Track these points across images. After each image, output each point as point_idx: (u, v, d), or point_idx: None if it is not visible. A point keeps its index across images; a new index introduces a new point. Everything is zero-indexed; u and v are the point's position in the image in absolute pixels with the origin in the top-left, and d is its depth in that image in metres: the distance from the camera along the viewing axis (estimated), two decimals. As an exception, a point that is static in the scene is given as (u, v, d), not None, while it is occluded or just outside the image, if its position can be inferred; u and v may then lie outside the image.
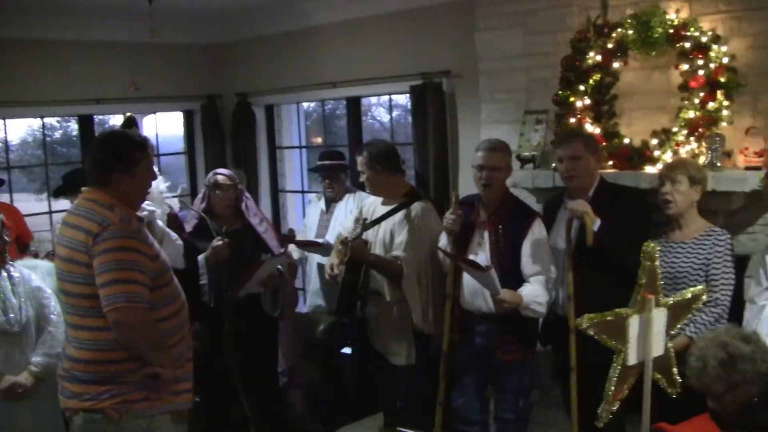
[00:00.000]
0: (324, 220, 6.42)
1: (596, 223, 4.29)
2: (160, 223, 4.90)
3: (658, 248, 3.71)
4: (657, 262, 3.30)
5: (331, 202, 6.43)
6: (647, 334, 3.23)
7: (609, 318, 3.26)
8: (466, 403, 4.77)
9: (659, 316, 3.28)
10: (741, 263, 4.60)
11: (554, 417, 4.90)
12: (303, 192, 8.34)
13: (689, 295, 3.49)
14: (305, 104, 8.58)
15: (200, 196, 5.55)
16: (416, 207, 5.03)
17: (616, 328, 3.25)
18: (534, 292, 4.43)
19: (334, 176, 6.39)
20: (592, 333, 3.29)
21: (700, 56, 4.72)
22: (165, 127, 8.74)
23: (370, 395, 5.44)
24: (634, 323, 3.22)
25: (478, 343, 4.65)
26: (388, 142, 5.77)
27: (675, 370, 3.48)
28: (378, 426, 4.88)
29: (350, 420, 5.24)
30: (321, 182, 6.53)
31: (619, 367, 3.29)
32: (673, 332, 3.57)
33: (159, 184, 5.14)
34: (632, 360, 3.25)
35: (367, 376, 5.41)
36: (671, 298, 3.45)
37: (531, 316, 4.48)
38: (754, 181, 4.45)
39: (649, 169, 4.83)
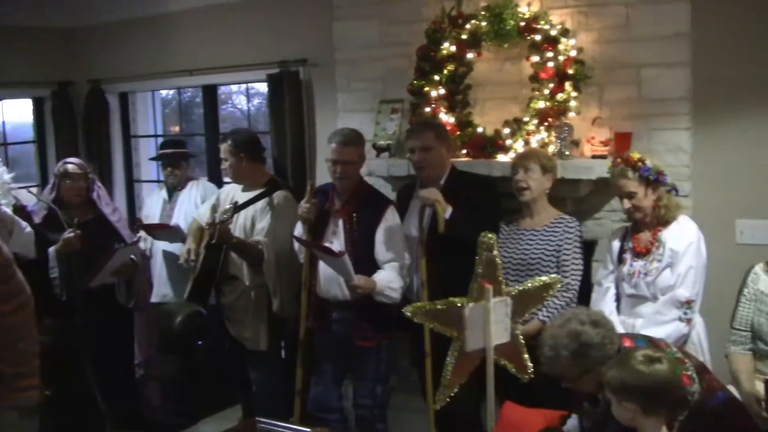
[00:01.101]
0: (167, 209, 6.29)
1: (447, 211, 4.36)
2: (8, 211, 4.70)
3: (512, 237, 3.85)
4: (496, 252, 3.33)
5: (173, 191, 6.30)
6: (486, 322, 3.25)
7: (440, 307, 3.31)
8: (324, 390, 4.77)
9: (500, 305, 3.31)
10: (589, 248, 4.78)
11: (412, 402, 4.94)
12: (159, 182, 8.14)
13: (538, 284, 3.55)
14: (163, 92, 8.37)
15: (49, 186, 5.35)
16: (279, 195, 5.03)
17: (451, 316, 3.29)
18: (387, 279, 4.47)
19: (175, 164, 6.28)
20: (420, 321, 3.35)
21: (550, 49, 4.87)
22: (13, 115, 8.32)
23: (229, 386, 5.36)
24: (470, 312, 3.25)
25: (334, 331, 4.66)
26: (251, 130, 5.75)
27: (526, 356, 3.55)
28: (237, 417, 4.81)
29: (209, 412, 5.15)
30: (163, 171, 6.41)
31: (455, 354, 3.34)
32: (522, 319, 3.68)
33: (2, 174, 4.94)
34: (470, 347, 3.27)
35: (225, 367, 5.34)
36: (518, 287, 3.51)
37: (386, 302, 4.51)
38: (600, 169, 4.63)
39: (502, 158, 4.96)
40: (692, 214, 4.52)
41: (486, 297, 3.25)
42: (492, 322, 3.26)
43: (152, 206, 6.53)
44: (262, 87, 6.70)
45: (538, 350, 3.34)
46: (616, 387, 2.95)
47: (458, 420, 4.51)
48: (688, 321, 4.05)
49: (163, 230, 5.86)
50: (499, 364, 3.41)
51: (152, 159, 6.88)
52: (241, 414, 5.22)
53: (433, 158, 4.63)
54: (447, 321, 3.32)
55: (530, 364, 3.53)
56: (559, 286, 3.65)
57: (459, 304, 3.27)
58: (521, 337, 3.55)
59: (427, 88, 5.25)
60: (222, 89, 7.44)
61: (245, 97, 8.62)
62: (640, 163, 4.11)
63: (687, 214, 4.38)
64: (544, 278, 3.60)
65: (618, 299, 4.31)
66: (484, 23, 5.07)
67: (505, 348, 3.41)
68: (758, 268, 3.95)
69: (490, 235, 3.33)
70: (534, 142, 4.83)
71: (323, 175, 5.35)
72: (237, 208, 4.87)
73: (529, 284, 3.54)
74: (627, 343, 3.30)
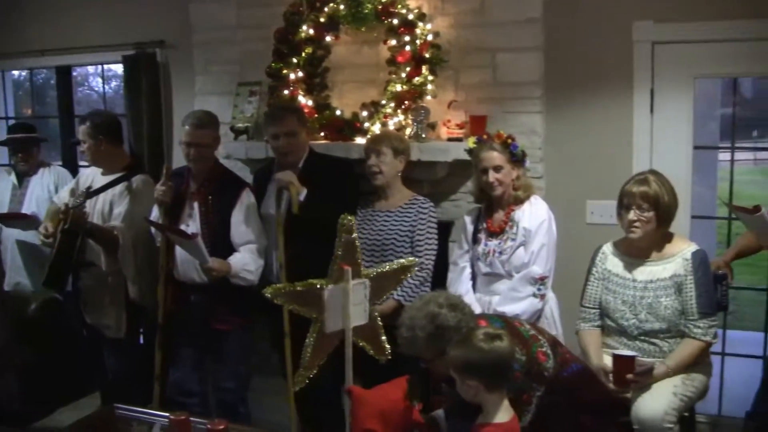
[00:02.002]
0: (18, 195, 6.04)
1: (302, 193, 4.35)
2: None
3: (367, 218, 3.86)
4: (355, 234, 3.36)
5: (23, 177, 6.06)
6: (345, 304, 3.28)
7: (300, 288, 3.30)
8: (183, 375, 4.71)
9: (359, 287, 3.34)
10: (445, 229, 4.86)
11: (273, 384, 4.92)
12: (7, 166, 7.80)
13: (396, 266, 3.58)
14: (15, 73, 8.02)
15: None
16: (137, 179, 4.93)
17: (310, 297, 3.29)
18: (243, 261, 4.45)
19: (25, 149, 6.03)
20: (281, 303, 3.34)
21: (407, 33, 4.91)
22: None
23: (86, 374, 5.23)
24: (329, 293, 3.26)
25: (193, 314, 4.61)
26: (111, 113, 5.60)
27: (383, 338, 3.57)
28: (95, 405, 4.69)
29: (66, 401, 5.00)
30: (12, 156, 6.16)
31: (315, 335, 3.34)
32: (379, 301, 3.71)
33: None
34: (330, 328, 3.29)
35: (82, 354, 5.20)
36: (376, 269, 3.53)
37: (242, 285, 4.48)
38: (456, 151, 4.70)
39: (359, 140, 4.97)
40: (545, 195, 4.66)
41: (345, 279, 3.27)
42: (351, 304, 3.29)
43: (0, 192, 6.26)
44: (120, 69, 6.52)
45: (395, 330, 3.37)
46: (459, 365, 3.00)
47: (318, 401, 4.52)
48: (542, 297, 4.17)
49: (18, 219, 5.64)
50: (357, 345, 3.43)
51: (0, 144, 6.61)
52: (100, 402, 5.09)
53: (297, 143, 4.62)
54: (306, 303, 3.31)
55: (388, 346, 3.56)
56: (414, 270, 3.69)
57: (318, 286, 3.27)
58: (379, 318, 3.58)
59: (285, 71, 5.21)
60: (78, 71, 7.19)
61: (101, 79, 8.36)
62: (509, 140, 4.21)
63: (540, 195, 4.50)
64: (402, 260, 3.64)
65: (474, 278, 4.39)
66: (342, 6, 5.07)
67: (364, 329, 3.43)
68: (606, 247, 4.10)
69: (349, 217, 3.35)
70: (391, 124, 4.86)
71: (180, 159, 5.24)
72: (89, 193, 4.75)
73: (387, 266, 3.57)
74: (483, 325, 3.36)
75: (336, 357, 3.40)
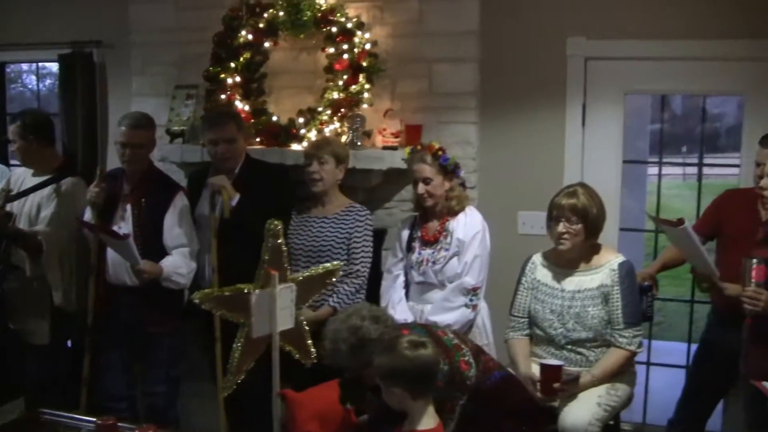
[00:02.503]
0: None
1: (235, 198, 4.37)
2: None
3: (303, 224, 3.88)
4: (281, 240, 3.36)
5: (-48, 177, 5.95)
6: (272, 309, 3.29)
7: (227, 293, 3.31)
8: (112, 379, 4.66)
9: (286, 292, 3.35)
10: (379, 237, 4.90)
11: (203, 388, 4.90)
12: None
13: (322, 271, 3.60)
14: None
15: None
16: (67, 182, 4.84)
17: (238, 302, 3.30)
18: (175, 264, 4.43)
19: None
20: (209, 308, 3.35)
21: (345, 41, 4.95)
22: None
23: (10, 379, 5.13)
24: (257, 298, 3.27)
25: (123, 317, 4.56)
26: (43, 112, 5.50)
27: (309, 342, 3.59)
28: (19, 410, 4.61)
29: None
30: None
31: (242, 340, 3.35)
32: (307, 305, 3.75)
33: None
34: (257, 333, 3.30)
35: (6, 359, 5.10)
36: (302, 274, 3.55)
37: (174, 288, 4.46)
38: (391, 159, 4.75)
39: (295, 147, 4.99)
40: (478, 205, 4.72)
41: (272, 283, 3.27)
42: (278, 309, 3.30)
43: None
44: (55, 67, 6.43)
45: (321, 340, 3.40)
46: (384, 373, 3.03)
47: (248, 405, 4.51)
48: (474, 307, 4.22)
49: None
50: (284, 349, 3.44)
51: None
52: (24, 407, 5.01)
53: (236, 149, 4.61)
54: (234, 307, 3.32)
55: (314, 350, 3.58)
56: (341, 273, 3.71)
57: (246, 291, 3.28)
58: (305, 323, 3.59)
59: (222, 75, 5.20)
60: (11, 67, 7.07)
61: (36, 76, 8.23)
62: (440, 152, 4.26)
63: (473, 205, 4.56)
64: (327, 265, 3.66)
65: (407, 286, 4.43)
66: (281, 13, 5.09)
67: (290, 334, 3.44)
68: (535, 258, 4.17)
69: (276, 223, 3.36)
70: (327, 132, 4.88)
71: (115, 160, 5.20)
72: (9, 197, 4.66)
73: (313, 271, 3.60)
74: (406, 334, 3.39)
75: (265, 361, 3.41)
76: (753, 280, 3.51)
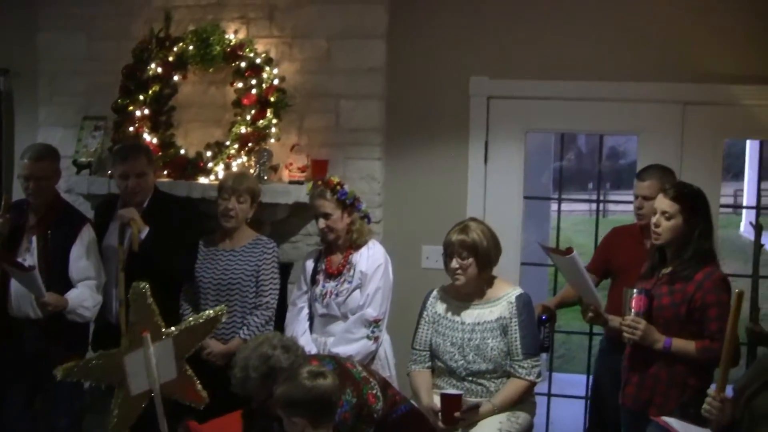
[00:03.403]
0: None
1: (144, 231, 4.38)
2: None
3: (210, 257, 3.88)
4: (150, 300, 3.38)
5: None
6: (149, 368, 3.28)
7: (95, 362, 3.33)
8: (13, 413, 4.57)
9: (161, 347, 3.34)
10: (285, 270, 4.93)
11: (107, 421, 4.84)
12: None
13: (203, 319, 3.57)
14: None
15: None
16: None
17: (109, 367, 3.30)
18: (81, 297, 4.39)
19: None
20: (76, 379, 3.36)
21: (254, 76, 5.02)
22: None
23: None
24: (129, 361, 3.27)
25: (26, 350, 4.47)
26: None
27: (198, 387, 3.57)
28: None
29: None
30: None
31: (119, 401, 3.36)
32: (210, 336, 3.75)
33: None
34: (135, 391, 3.30)
35: None
36: (180, 326, 3.53)
37: (79, 321, 4.42)
38: (297, 193, 4.81)
39: (203, 180, 5.02)
40: (383, 239, 4.81)
41: (144, 344, 3.27)
42: (154, 365, 3.29)
43: None
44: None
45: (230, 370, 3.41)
46: (284, 403, 3.06)
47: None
48: (376, 339, 4.27)
49: None
50: (171, 399, 3.45)
51: None
52: None
53: (145, 184, 4.60)
54: (106, 373, 3.33)
55: (204, 393, 3.57)
56: (224, 318, 3.71)
57: (116, 356, 3.29)
58: (189, 371, 3.57)
59: (131, 108, 5.20)
60: None
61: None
62: (338, 187, 4.32)
63: (378, 239, 4.64)
64: (209, 312, 3.61)
65: (311, 318, 4.47)
66: (191, 47, 5.13)
67: (175, 383, 3.43)
68: (436, 291, 4.24)
69: (142, 284, 3.38)
70: (234, 165, 4.92)
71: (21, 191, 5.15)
72: None
73: (192, 321, 3.57)
74: (314, 364, 3.43)
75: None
76: (632, 310, 3.68)
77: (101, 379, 3.33)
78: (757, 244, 4.46)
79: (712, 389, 3.09)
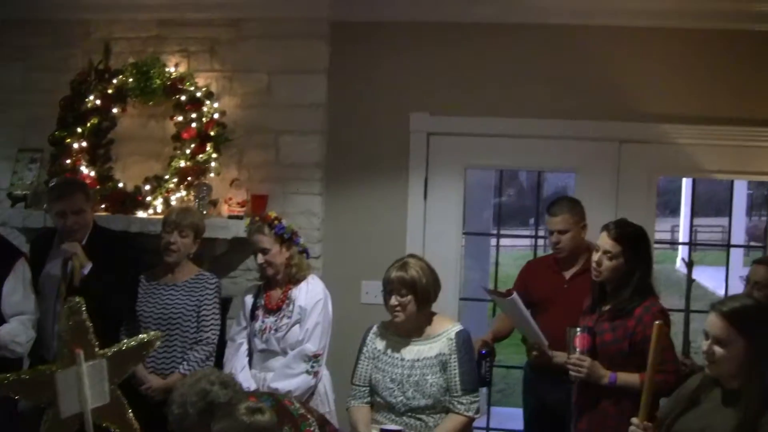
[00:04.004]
0: None
1: (87, 267, 4.34)
2: None
3: (152, 292, 3.84)
4: (84, 316, 3.35)
5: None
6: (81, 387, 3.23)
7: (26, 377, 3.26)
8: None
9: (94, 368, 3.29)
10: (224, 305, 4.89)
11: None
12: None
13: (135, 342, 3.55)
14: None
15: None
16: None
17: (40, 385, 3.24)
18: (13, 332, 4.28)
19: None
20: (6, 394, 3.30)
21: (194, 110, 5.01)
22: None
23: None
24: (61, 378, 3.21)
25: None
26: None
27: (130, 415, 3.53)
28: None
29: None
30: None
31: (48, 423, 3.29)
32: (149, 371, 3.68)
33: None
34: (66, 413, 3.23)
35: None
36: (112, 348, 3.50)
37: (10, 357, 4.33)
38: (236, 228, 4.79)
39: (141, 214, 4.98)
40: (322, 275, 4.81)
41: (77, 362, 3.22)
42: (86, 387, 3.24)
43: None
44: None
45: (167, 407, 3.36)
46: None
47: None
48: (316, 374, 4.26)
49: None
50: (101, 426, 3.39)
51: None
52: None
53: (84, 220, 4.54)
54: (37, 390, 3.26)
55: (136, 424, 3.53)
56: (158, 343, 3.68)
57: (48, 372, 3.22)
58: (121, 395, 3.53)
59: (68, 140, 5.15)
60: None
61: None
62: (276, 221, 4.32)
63: (317, 274, 4.63)
64: (142, 336, 3.59)
65: (251, 354, 4.44)
66: (130, 79, 5.11)
67: (107, 409, 3.38)
68: (376, 327, 4.24)
69: (77, 300, 3.35)
70: (174, 200, 4.90)
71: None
72: None
73: (124, 345, 3.54)
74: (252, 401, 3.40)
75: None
76: (577, 348, 3.73)
77: (33, 395, 3.27)
78: (689, 279, 4.55)
79: (635, 419, 3.15)
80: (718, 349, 2.90)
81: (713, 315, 2.93)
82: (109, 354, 3.39)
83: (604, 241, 3.81)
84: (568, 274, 4.48)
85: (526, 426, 4.82)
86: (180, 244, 4.46)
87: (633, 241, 3.78)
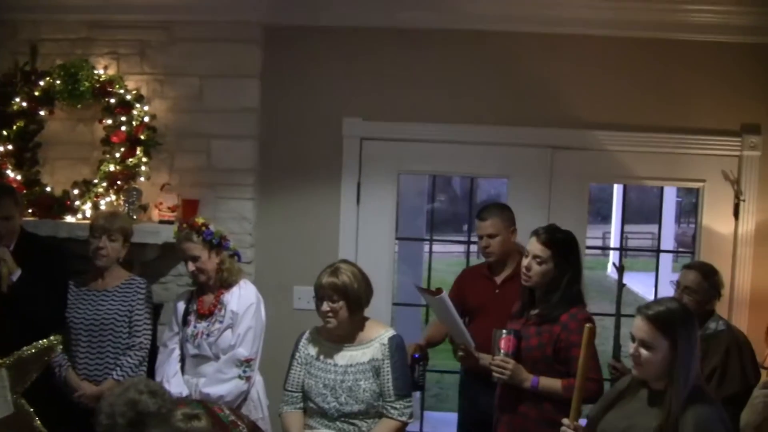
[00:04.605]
0: None
1: (15, 273, 4.25)
2: None
3: (82, 298, 3.77)
4: None
5: None
6: None
7: None
8: None
9: None
10: (155, 311, 4.83)
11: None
12: None
13: (35, 349, 3.49)
14: None
15: None
16: None
17: None
18: None
19: None
20: None
21: (124, 113, 4.94)
22: None
23: None
24: None
25: None
26: None
27: (37, 423, 3.47)
28: None
29: None
30: None
31: None
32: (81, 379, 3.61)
33: None
34: None
35: None
36: (12, 356, 3.43)
37: None
38: (167, 233, 4.73)
39: (69, 219, 4.90)
40: (254, 280, 4.77)
41: None
42: None
43: None
44: None
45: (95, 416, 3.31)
46: None
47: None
48: (248, 379, 4.23)
49: None
50: None
51: None
52: None
53: (13, 227, 4.44)
54: None
55: (44, 431, 3.47)
56: (59, 349, 3.62)
57: None
58: (26, 404, 3.46)
59: (-6, 143, 5.04)
60: None
61: None
62: (204, 227, 4.27)
63: (250, 279, 4.60)
64: (42, 342, 3.53)
65: (183, 359, 4.39)
66: (58, 81, 5.02)
67: (12, 420, 3.32)
68: (308, 333, 4.22)
69: None
70: (103, 204, 4.83)
71: None
72: None
73: (25, 351, 3.48)
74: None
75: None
76: (501, 350, 3.76)
77: None
78: (620, 284, 4.61)
79: (566, 420, 3.21)
80: (644, 352, 2.97)
81: (639, 319, 3.00)
82: (8, 362, 3.31)
83: (534, 246, 3.85)
84: (499, 279, 4.52)
85: (459, 429, 4.85)
86: (109, 248, 4.40)
87: (562, 246, 3.83)
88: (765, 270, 5.09)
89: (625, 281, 4.48)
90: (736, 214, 5.13)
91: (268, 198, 5.18)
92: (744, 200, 5.10)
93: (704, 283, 4.32)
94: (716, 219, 5.17)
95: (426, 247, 7.47)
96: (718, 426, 2.87)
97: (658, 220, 9.04)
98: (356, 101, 5.17)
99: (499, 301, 4.30)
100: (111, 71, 5.07)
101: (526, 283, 3.89)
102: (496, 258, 4.44)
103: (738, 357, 4.23)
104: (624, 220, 8.76)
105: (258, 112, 5.10)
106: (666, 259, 9.56)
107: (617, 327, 4.44)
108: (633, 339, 3.03)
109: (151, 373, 4.37)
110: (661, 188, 6.41)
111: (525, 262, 3.87)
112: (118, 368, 4.31)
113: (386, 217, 5.23)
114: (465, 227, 14.60)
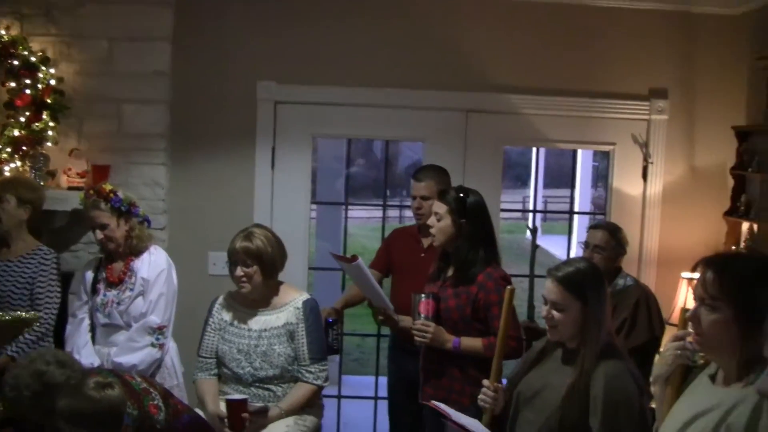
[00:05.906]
0: None
1: None
2: None
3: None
4: None
5: None
6: None
7: None
8: None
9: None
10: (66, 280, 4.74)
11: None
12: None
13: (10, 317, 3.44)
14: None
15: None
16: None
17: None
18: None
19: None
20: None
21: (28, 76, 4.78)
22: None
23: None
24: None
25: None
26: None
27: None
28: None
29: None
30: None
31: None
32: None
33: None
34: None
35: None
36: None
37: None
38: (76, 200, 4.63)
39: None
40: (168, 246, 4.73)
41: None
42: None
43: None
44: None
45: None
46: (69, 416, 2.95)
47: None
48: (161, 346, 4.20)
49: None
50: None
51: None
52: None
53: None
54: None
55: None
56: (37, 324, 3.57)
57: None
58: None
59: None
60: None
61: None
62: (111, 194, 4.18)
63: (163, 246, 4.55)
64: (20, 313, 3.49)
65: (93, 329, 4.32)
66: (-44, 40, 4.84)
67: None
68: (222, 298, 4.21)
69: None
70: (7, 170, 4.69)
71: None
72: None
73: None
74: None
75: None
76: (421, 314, 3.80)
77: None
78: (534, 246, 4.70)
79: (486, 381, 3.25)
80: (556, 314, 3.03)
81: (549, 281, 3.05)
82: None
83: (435, 204, 3.91)
84: (426, 242, 4.52)
85: (388, 392, 4.88)
86: (1, 212, 4.32)
87: (458, 202, 3.85)
88: (671, 230, 5.25)
89: (543, 244, 4.57)
90: (644, 176, 5.26)
91: (181, 163, 5.11)
92: (652, 163, 5.22)
93: (612, 240, 4.47)
94: (626, 181, 5.29)
95: (354, 213, 7.47)
96: (628, 379, 2.95)
97: (571, 184, 9.17)
98: (271, 65, 5.11)
99: (425, 264, 4.31)
100: (14, 32, 4.87)
101: (435, 244, 3.94)
102: (426, 221, 4.47)
103: (646, 309, 4.42)
104: (544, 185, 8.87)
105: (169, 76, 5.01)
106: (583, 222, 9.73)
107: (531, 288, 4.53)
108: (545, 301, 3.09)
109: (60, 344, 4.29)
110: (575, 152, 6.50)
111: (430, 220, 3.91)
112: (13, 344, 4.19)
113: (302, 182, 5.22)
114: (389, 192, 14.74)
